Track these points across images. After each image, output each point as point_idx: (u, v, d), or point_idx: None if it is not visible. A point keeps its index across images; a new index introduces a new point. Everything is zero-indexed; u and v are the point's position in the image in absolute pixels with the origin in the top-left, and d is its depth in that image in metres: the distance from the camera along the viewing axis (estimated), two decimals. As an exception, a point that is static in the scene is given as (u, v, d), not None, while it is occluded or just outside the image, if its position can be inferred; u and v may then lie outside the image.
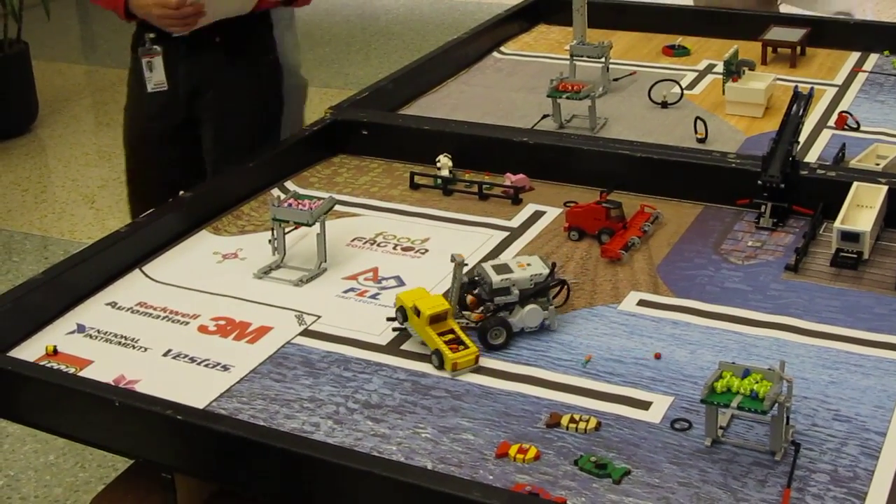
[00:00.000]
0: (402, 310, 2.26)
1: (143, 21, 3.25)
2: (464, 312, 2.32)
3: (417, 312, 2.22)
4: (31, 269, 4.96)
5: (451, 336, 2.20)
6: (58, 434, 2.36)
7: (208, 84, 3.37)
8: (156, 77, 3.28)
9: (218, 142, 3.42)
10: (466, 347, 2.18)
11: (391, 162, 3.16)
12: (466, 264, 2.30)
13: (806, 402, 2.02)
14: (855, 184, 2.63)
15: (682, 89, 3.53)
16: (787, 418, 1.88)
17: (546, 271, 2.28)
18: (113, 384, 2.15)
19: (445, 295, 2.29)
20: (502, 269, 2.29)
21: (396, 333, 2.30)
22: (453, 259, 2.25)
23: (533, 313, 2.26)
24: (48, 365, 2.23)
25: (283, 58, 3.55)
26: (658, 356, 2.20)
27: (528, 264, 2.30)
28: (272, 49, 3.48)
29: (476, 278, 2.31)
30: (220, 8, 3.23)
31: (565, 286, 2.37)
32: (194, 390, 2.12)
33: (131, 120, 3.48)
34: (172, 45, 3.28)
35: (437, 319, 2.22)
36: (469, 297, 2.33)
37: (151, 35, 3.27)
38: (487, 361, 2.19)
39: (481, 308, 2.31)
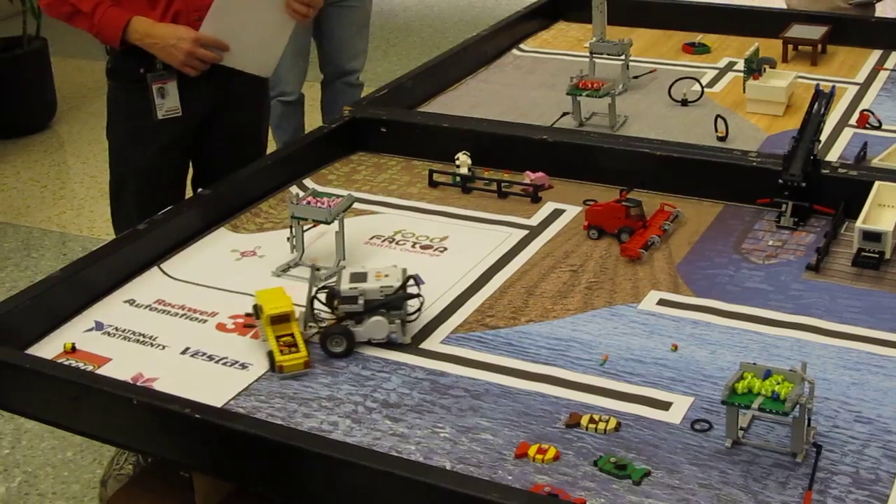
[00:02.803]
0: (255, 307, 2.26)
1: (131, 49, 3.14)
2: (315, 317, 2.28)
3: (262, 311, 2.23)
4: (49, 266, 4.97)
5: (288, 339, 2.20)
6: (76, 432, 2.37)
7: (224, 103, 3.32)
8: (168, 103, 3.19)
9: (229, 147, 3.42)
10: (298, 351, 2.17)
11: (410, 159, 3.15)
12: (318, 268, 2.29)
13: (827, 403, 2.01)
14: (877, 183, 2.61)
15: (702, 87, 3.52)
16: (809, 420, 1.87)
17: (398, 284, 2.25)
18: (131, 382, 2.15)
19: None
20: (358, 277, 2.26)
21: (415, 332, 2.29)
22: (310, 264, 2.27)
23: (377, 325, 2.22)
24: (66, 362, 2.23)
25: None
26: (675, 347, 2.20)
27: (386, 275, 2.27)
28: None
29: (326, 285, 2.29)
30: (240, 60, 3.19)
31: (419, 300, 2.30)
32: (212, 388, 2.12)
33: (135, 152, 3.32)
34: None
35: (278, 320, 2.21)
36: None
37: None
38: (506, 360, 2.18)
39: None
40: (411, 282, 2.26)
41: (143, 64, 3.17)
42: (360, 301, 2.22)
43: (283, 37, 3.29)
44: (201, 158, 3.46)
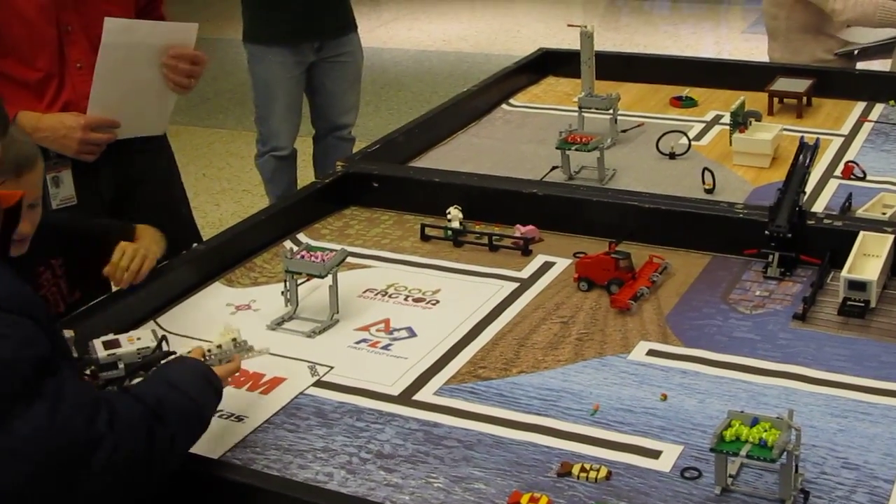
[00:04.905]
0: None
1: None
2: None
3: None
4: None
5: None
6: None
7: (130, 183, 3.21)
8: (63, 192, 3.04)
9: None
10: None
11: (402, 214, 3.19)
12: (73, 337, 2.28)
13: (815, 450, 2.03)
14: (861, 233, 2.65)
15: (689, 140, 3.56)
16: (796, 466, 1.90)
17: (154, 344, 2.28)
18: (128, 435, 2.17)
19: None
20: (111, 344, 2.29)
21: (409, 384, 2.32)
22: None
23: None
24: (64, 416, 2.25)
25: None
26: (665, 396, 2.23)
27: (138, 338, 2.30)
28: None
29: (82, 356, 2.29)
30: (133, 127, 3.09)
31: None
32: (209, 440, 2.13)
33: None
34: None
35: None
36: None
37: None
38: (499, 411, 2.21)
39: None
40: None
41: None
42: (121, 366, 2.25)
43: (172, 93, 3.15)
44: None
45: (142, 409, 1.89)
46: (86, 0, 2.99)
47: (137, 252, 2.48)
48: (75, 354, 2.27)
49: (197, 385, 2.04)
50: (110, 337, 2.32)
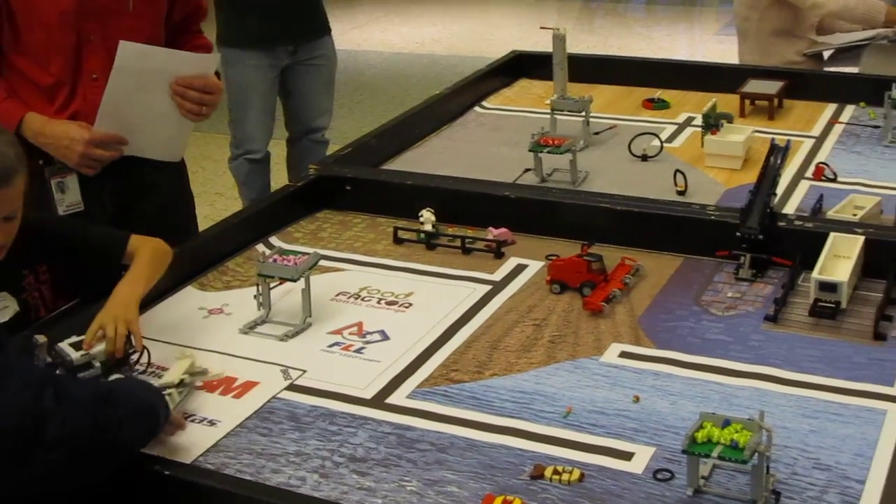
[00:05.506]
0: None
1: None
2: None
3: None
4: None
5: None
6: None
7: (137, 193, 3.15)
8: (69, 198, 2.99)
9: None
10: None
11: (375, 217, 3.19)
12: (43, 343, 2.28)
13: (786, 450, 2.04)
14: (832, 234, 2.66)
15: (661, 142, 3.57)
16: (768, 467, 1.90)
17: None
18: (100, 440, 2.16)
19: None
20: (79, 345, 2.29)
21: (382, 387, 2.32)
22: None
23: None
24: (35, 422, 2.24)
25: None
26: (637, 398, 2.23)
27: (102, 335, 2.31)
28: None
29: (55, 360, 2.29)
30: (141, 149, 3.04)
31: (145, 351, 2.37)
32: (181, 445, 2.13)
33: None
34: None
35: None
36: None
37: None
38: (472, 414, 2.21)
39: None
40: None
41: (41, 156, 2.96)
42: (96, 364, 2.27)
43: (188, 121, 3.08)
44: None
45: (91, 392, 1.94)
46: (110, 11, 2.95)
47: (118, 330, 2.44)
48: (48, 360, 2.28)
49: (145, 388, 2.11)
50: (75, 339, 2.31)
